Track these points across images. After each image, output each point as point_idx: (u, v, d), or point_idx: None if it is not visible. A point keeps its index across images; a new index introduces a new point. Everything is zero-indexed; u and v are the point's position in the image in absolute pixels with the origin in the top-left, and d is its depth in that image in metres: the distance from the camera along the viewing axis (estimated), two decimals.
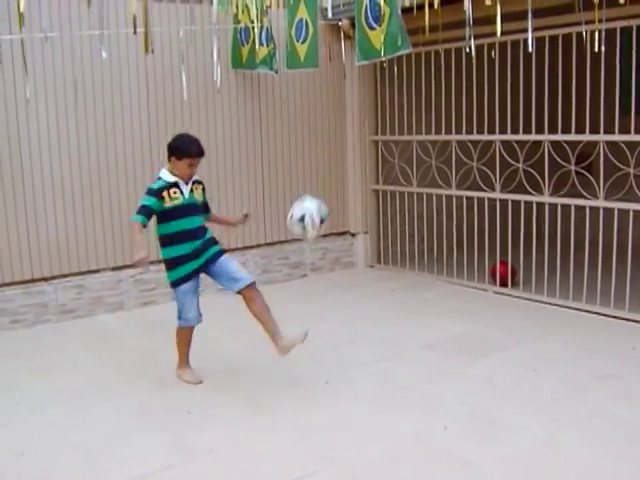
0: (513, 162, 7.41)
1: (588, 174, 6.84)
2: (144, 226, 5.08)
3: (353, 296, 7.79)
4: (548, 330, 6.41)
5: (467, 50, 6.32)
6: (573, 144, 6.95)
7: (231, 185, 8.01)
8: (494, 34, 5.76)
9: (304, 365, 5.69)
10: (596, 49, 5.95)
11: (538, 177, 7.21)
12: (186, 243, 5.23)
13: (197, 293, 5.42)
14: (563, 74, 6.84)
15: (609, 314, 6.67)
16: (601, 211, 6.67)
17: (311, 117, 8.55)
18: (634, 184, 6.42)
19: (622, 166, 6.51)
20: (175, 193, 5.19)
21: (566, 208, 7.06)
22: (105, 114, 7.17)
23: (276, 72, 7.51)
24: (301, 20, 7.31)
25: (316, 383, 5.33)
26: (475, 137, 7.81)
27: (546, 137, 7.11)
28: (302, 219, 5.26)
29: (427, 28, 6.05)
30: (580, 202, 6.88)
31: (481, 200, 7.96)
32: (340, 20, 8.08)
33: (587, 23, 5.92)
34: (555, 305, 7.11)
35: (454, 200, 8.28)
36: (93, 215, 7.20)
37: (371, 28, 6.93)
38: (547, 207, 7.19)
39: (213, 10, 6.75)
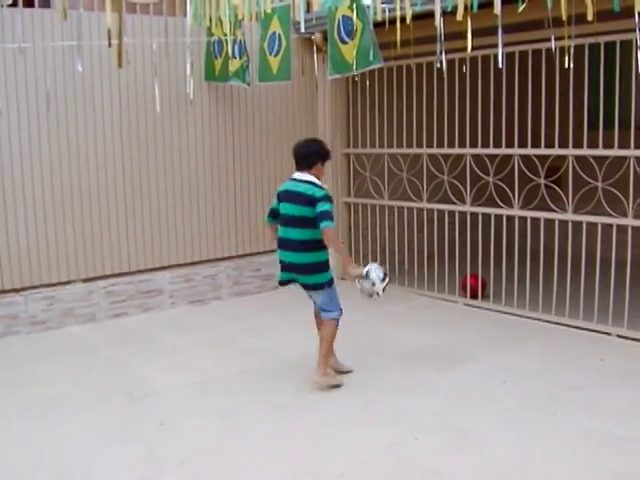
0: (483, 176, 7.47)
1: (557, 188, 6.90)
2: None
3: None
4: (518, 342, 6.45)
5: (438, 65, 6.38)
6: (542, 158, 7.04)
7: (203, 197, 8.00)
8: (465, 49, 5.80)
9: (276, 376, 5.69)
10: (566, 65, 6.02)
11: (508, 190, 7.27)
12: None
13: None
14: (533, 89, 6.91)
15: (578, 326, 6.73)
16: (570, 224, 6.74)
17: (283, 130, 8.57)
18: (602, 198, 6.50)
19: (590, 180, 6.60)
20: None
21: (536, 221, 7.13)
22: (77, 125, 7.13)
23: (248, 85, 7.52)
24: (274, 33, 7.34)
25: (288, 394, 5.32)
26: (446, 151, 7.86)
27: (516, 151, 7.17)
28: (367, 275, 5.38)
29: (398, 43, 6.09)
30: (549, 215, 6.96)
31: (452, 213, 8.01)
32: (313, 34, 8.12)
33: (556, 39, 6.00)
34: (525, 317, 7.14)
35: (425, 213, 8.31)
36: (64, 226, 7.15)
37: (343, 42, 6.98)
38: (517, 220, 7.24)
39: (187, 23, 6.75)
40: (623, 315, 6.45)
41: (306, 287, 5.52)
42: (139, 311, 7.60)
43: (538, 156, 7.06)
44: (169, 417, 4.96)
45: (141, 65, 7.40)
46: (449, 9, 5.53)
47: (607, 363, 5.85)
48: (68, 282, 7.24)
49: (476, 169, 7.51)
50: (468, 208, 7.68)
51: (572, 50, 6.08)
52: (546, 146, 6.97)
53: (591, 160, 6.57)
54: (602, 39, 6.25)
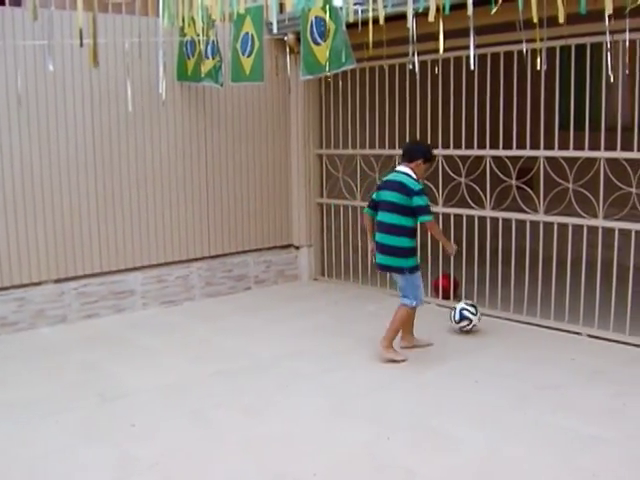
0: (455, 176, 7.52)
1: (529, 189, 6.95)
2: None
3: (297, 308, 7.80)
4: (489, 341, 6.49)
5: (410, 67, 6.40)
6: (514, 159, 7.09)
7: (175, 197, 7.96)
8: (437, 51, 5.83)
9: (250, 377, 5.68)
10: (538, 67, 6.06)
11: (480, 191, 7.32)
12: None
13: None
14: (505, 91, 6.95)
15: (549, 326, 6.79)
16: (541, 225, 6.80)
17: (256, 130, 8.55)
18: (573, 199, 6.56)
19: (561, 181, 6.65)
20: None
21: (507, 222, 7.16)
22: (49, 125, 7.05)
23: (221, 85, 7.49)
24: (247, 34, 7.32)
25: (262, 395, 5.31)
26: None
27: (488, 152, 7.23)
28: (462, 316, 6.59)
29: (371, 44, 6.10)
30: (521, 216, 7.01)
31: None
32: (285, 35, 8.11)
33: (528, 42, 6.04)
34: (496, 317, 7.18)
35: None
36: (35, 226, 7.07)
37: (316, 43, 6.98)
38: (489, 221, 7.30)
39: (159, 22, 6.71)
40: (593, 315, 6.52)
41: (389, 269, 6.09)
42: (111, 312, 7.53)
43: (510, 157, 7.09)
44: (142, 419, 4.92)
45: (113, 64, 7.33)
46: (421, 10, 5.56)
47: (578, 362, 5.91)
48: (39, 283, 7.16)
49: (448, 170, 7.54)
50: (440, 209, 7.69)
51: (544, 52, 6.13)
52: (518, 147, 7.02)
53: (562, 161, 6.61)
54: (573, 41, 6.30)
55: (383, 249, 5.97)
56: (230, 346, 6.50)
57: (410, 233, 5.90)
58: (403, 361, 5.92)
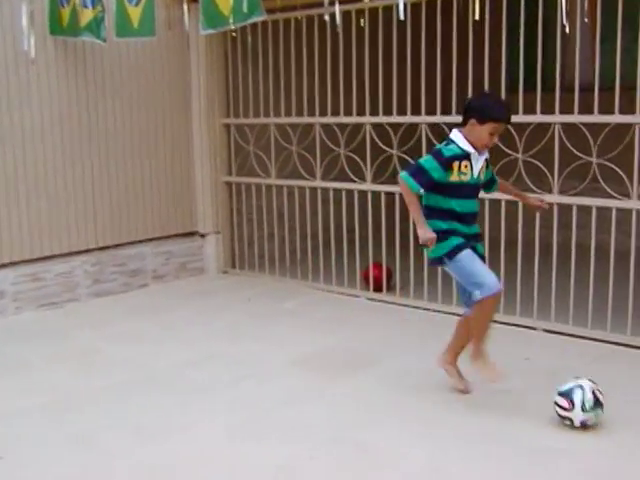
0: (386, 148, 7.47)
1: None
2: (418, 196, 4.94)
3: (204, 307, 7.72)
4: (429, 340, 6.41)
5: (327, 18, 6.32)
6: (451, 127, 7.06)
7: (52, 178, 7.69)
8: None
9: (145, 392, 5.55)
10: (476, 16, 6.07)
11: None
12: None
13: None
14: (442, 47, 6.92)
15: (498, 320, 6.69)
16: (487, 203, 6.70)
17: (149, 97, 8.36)
18: (523, 171, 6.55)
19: (509, 151, 6.63)
20: (466, 167, 4.95)
21: None
22: None
23: (104, 40, 7.26)
24: None
25: (158, 413, 5.17)
26: (343, 119, 7.79)
27: (424, 119, 7.19)
28: (570, 396, 4.75)
29: None
30: None
31: (350, 193, 7.97)
32: None
33: None
34: (437, 311, 7.21)
35: (319, 193, 8.27)
36: None
37: None
38: None
39: None
40: (549, 307, 6.55)
41: (431, 262, 5.30)
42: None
43: (449, 124, 7.06)
44: (13, 448, 4.69)
45: None
46: None
47: (533, 362, 5.91)
48: None
49: (377, 139, 7.49)
50: (369, 186, 7.67)
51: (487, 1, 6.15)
52: (458, 112, 6.94)
53: (509, 128, 6.58)
54: None
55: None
56: (122, 356, 6.35)
57: (437, 212, 5.03)
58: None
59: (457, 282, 5.32)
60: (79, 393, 5.58)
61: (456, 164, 4.93)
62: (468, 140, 4.96)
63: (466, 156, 4.96)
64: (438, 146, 5.04)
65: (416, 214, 4.91)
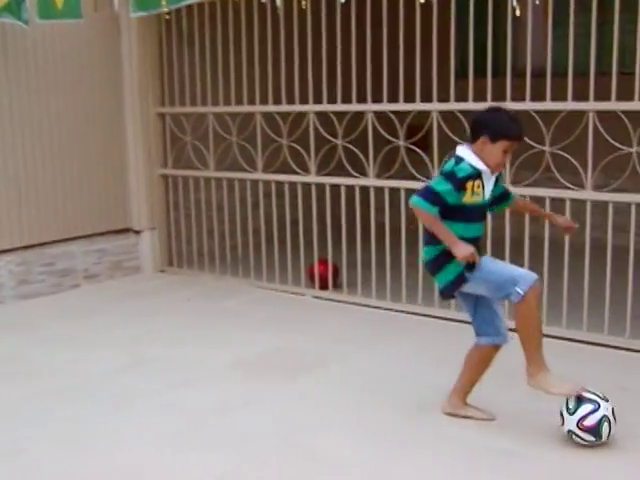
0: (331, 138, 7.41)
1: (420, 151, 6.86)
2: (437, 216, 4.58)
3: (139, 309, 7.62)
4: (378, 339, 6.47)
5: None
6: (401, 115, 7.01)
7: None
8: None
9: (74, 400, 5.40)
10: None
11: (361, 156, 7.22)
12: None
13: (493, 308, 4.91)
14: (389, 31, 6.85)
15: (451, 317, 6.76)
16: None
17: (77, 84, 8.15)
18: None
19: (461, 141, 6.55)
20: (478, 187, 4.59)
21: (395, 192, 7.09)
22: None
23: (26, 23, 7.13)
24: None
25: (89, 422, 5.03)
26: (285, 108, 7.72)
27: (370, 107, 7.12)
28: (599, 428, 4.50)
29: None
30: (412, 185, 6.75)
31: (294, 185, 7.90)
32: None
33: None
34: (386, 309, 7.18)
35: (261, 186, 8.16)
36: None
37: None
38: (372, 192, 7.22)
39: None
40: (504, 303, 6.46)
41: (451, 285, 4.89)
42: None
43: (396, 112, 7.02)
44: None
45: None
46: None
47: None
48: None
49: (322, 130, 7.42)
50: (313, 179, 7.61)
51: None
52: (406, 100, 6.93)
53: (460, 115, 6.53)
54: None
55: (425, 266, 5.06)
56: (51, 362, 6.18)
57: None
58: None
59: (466, 307, 5.03)
60: (1, 402, 5.44)
61: (470, 184, 4.63)
62: (479, 157, 4.69)
63: (478, 175, 4.68)
64: (447, 167, 4.67)
65: (444, 234, 4.60)
